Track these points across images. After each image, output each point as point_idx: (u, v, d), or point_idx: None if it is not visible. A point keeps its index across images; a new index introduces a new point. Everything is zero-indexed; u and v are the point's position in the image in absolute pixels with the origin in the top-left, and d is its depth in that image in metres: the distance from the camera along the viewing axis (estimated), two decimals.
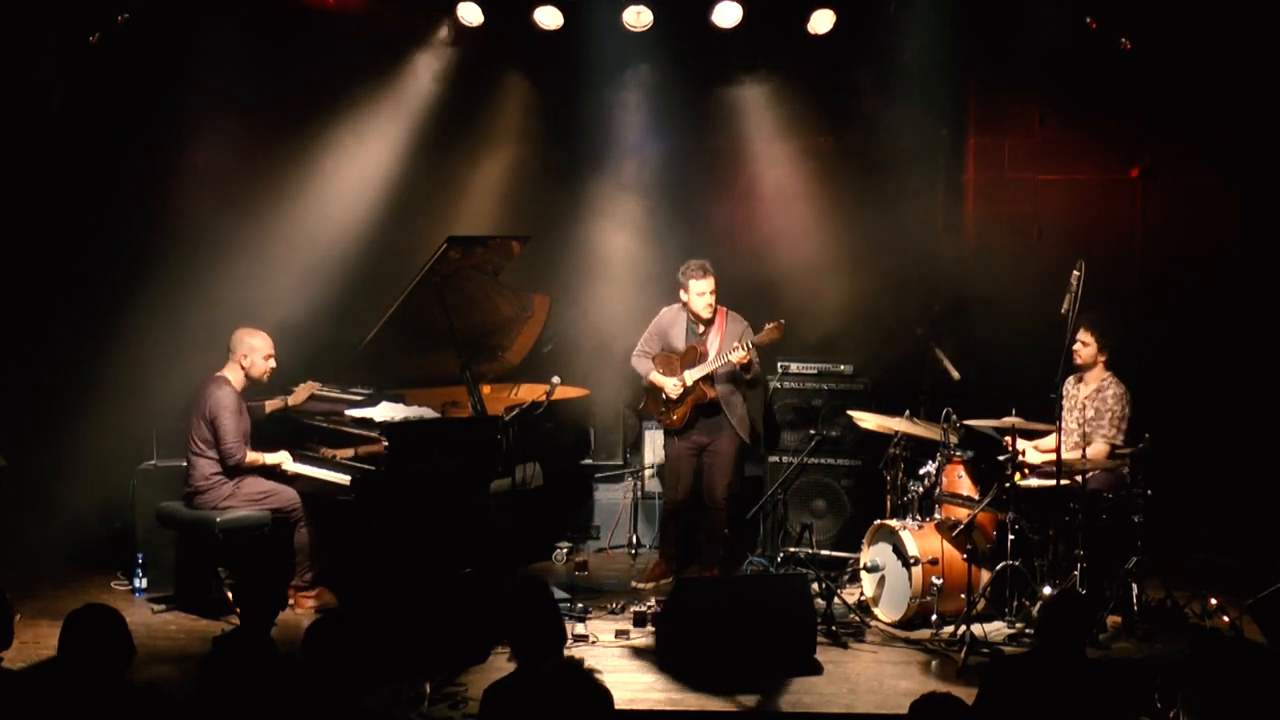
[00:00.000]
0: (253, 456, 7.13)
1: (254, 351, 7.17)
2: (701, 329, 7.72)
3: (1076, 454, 6.97)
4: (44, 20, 7.87)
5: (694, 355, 7.67)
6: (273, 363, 7.24)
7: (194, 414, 7.10)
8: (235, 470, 7.08)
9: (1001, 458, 6.83)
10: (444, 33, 8.70)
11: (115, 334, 8.20)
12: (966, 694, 4.89)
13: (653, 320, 7.89)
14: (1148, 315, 8.50)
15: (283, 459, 7.24)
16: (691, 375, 7.60)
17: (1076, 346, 7.10)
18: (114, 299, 8.28)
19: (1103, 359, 7.17)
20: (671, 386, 7.64)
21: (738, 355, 7.42)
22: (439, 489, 7.21)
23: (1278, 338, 8.25)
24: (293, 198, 8.62)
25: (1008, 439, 6.83)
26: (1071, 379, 7.27)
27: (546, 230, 8.60)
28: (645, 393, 7.94)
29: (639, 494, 8.60)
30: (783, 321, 7.50)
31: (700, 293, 7.60)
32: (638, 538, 8.54)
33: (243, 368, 7.16)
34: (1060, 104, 8.79)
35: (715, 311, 7.68)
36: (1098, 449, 7.00)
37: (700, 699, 5.95)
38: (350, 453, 7.15)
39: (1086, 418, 7.12)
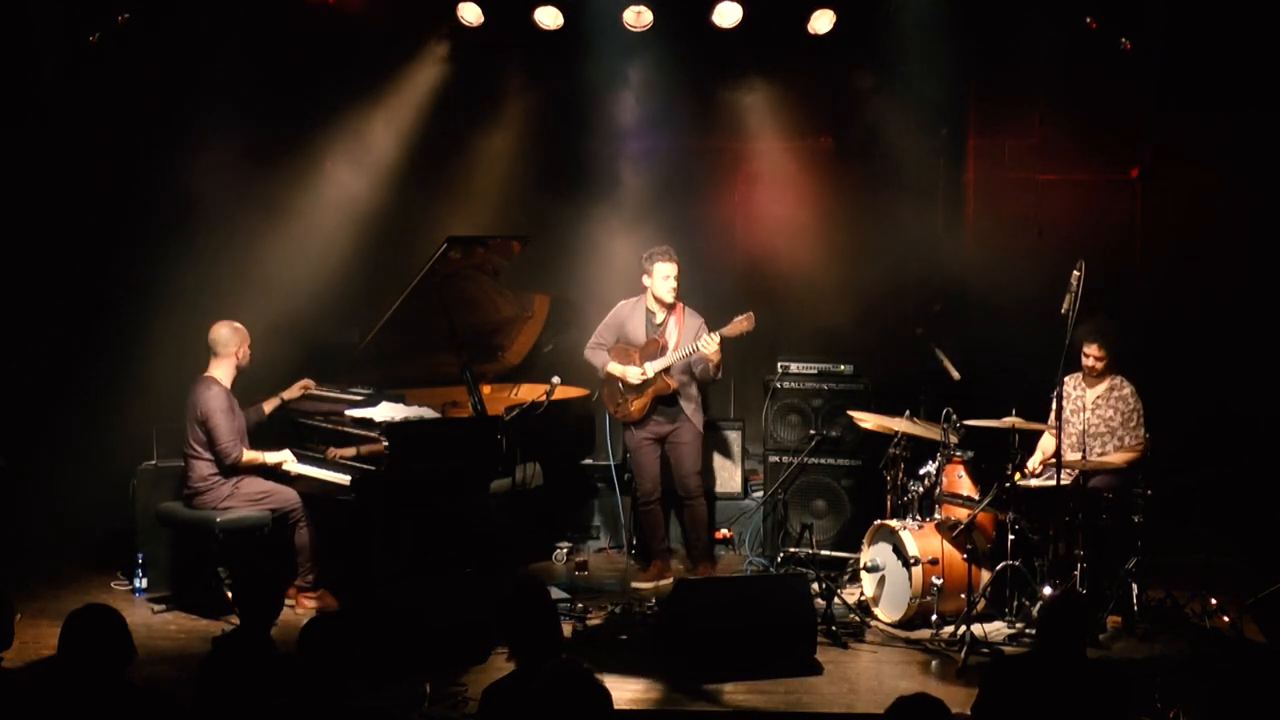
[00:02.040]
0: (250, 455, 7.13)
1: (243, 343, 7.16)
2: (660, 320, 7.70)
3: (1118, 457, 7.01)
4: (44, 20, 7.86)
5: (655, 348, 7.65)
6: (250, 350, 7.23)
7: (186, 417, 7.10)
8: (232, 470, 7.08)
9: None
10: (444, 33, 8.71)
11: (115, 334, 8.21)
12: (966, 694, 4.90)
13: (608, 313, 7.86)
14: (1147, 315, 8.49)
15: (285, 458, 7.23)
16: (653, 367, 7.59)
17: (1090, 362, 7.13)
18: (114, 299, 8.29)
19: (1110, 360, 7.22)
20: (634, 375, 7.61)
21: (710, 348, 7.36)
22: (439, 489, 7.21)
23: (1277, 337, 8.25)
24: (292, 196, 8.63)
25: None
26: (1072, 379, 7.28)
27: (546, 230, 8.61)
28: (601, 385, 7.88)
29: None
30: (752, 314, 7.42)
31: (666, 276, 7.59)
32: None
33: (236, 358, 7.14)
34: (1060, 104, 8.79)
35: (675, 298, 7.65)
36: (1131, 449, 7.05)
37: (700, 699, 5.95)
38: (350, 453, 7.15)
39: (1105, 418, 7.15)
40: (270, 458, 7.20)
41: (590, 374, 8.18)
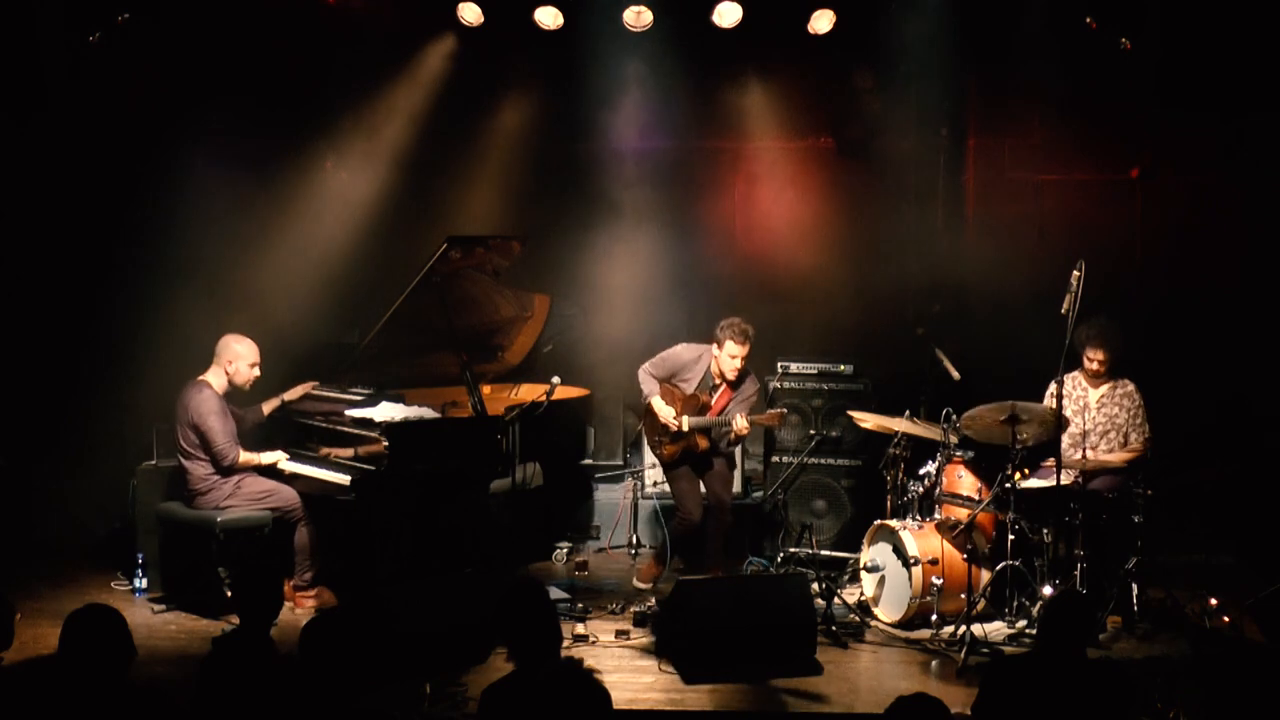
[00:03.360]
0: (246, 457, 7.12)
1: (240, 359, 7.15)
2: (717, 382, 7.63)
3: (1118, 456, 7.07)
4: (45, 20, 7.86)
5: (696, 404, 7.57)
6: (257, 371, 7.20)
7: (177, 420, 7.10)
8: (230, 470, 7.08)
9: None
10: (444, 33, 8.71)
11: (115, 334, 8.21)
12: (966, 694, 4.90)
13: (673, 347, 7.72)
14: (1147, 315, 8.49)
15: (278, 458, 7.23)
16: (689, 423, 7.50)
17: (1094, 366, 7.19)
18: (113, 299, 8.29)
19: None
20: (671, 419, 7.52)
21: (740, 426, 7.34)
22: (439, 489, 7.20)
23: (1277, 337, 8.25)
24: (292, 196, 8.63)
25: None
26: (1071, 378, 7.28)
27: (547, 230, 8.61)
28: (646, 412, 7.77)
29: (639, 494, 8.59)
30: (784, 412, 7.71)
31: (732, 355, 7.45)
32: (638, 538, 8.54)
33: (227, 374, 7.14)
34: (1060, 104, 8.77)
35: (736, 376, 7.57)
36: (1136, 445, 7.14)
37: (700, 699, 5.96)
38: (350, 452, 7.15)
39: (1110, 415, 7.19)
40: (265, 458, 7.19)
41: (590, 374, 8.21)
